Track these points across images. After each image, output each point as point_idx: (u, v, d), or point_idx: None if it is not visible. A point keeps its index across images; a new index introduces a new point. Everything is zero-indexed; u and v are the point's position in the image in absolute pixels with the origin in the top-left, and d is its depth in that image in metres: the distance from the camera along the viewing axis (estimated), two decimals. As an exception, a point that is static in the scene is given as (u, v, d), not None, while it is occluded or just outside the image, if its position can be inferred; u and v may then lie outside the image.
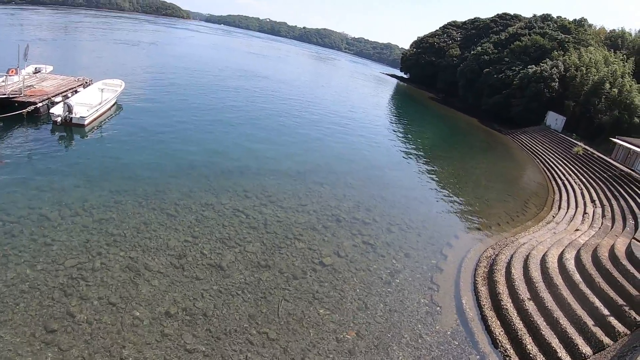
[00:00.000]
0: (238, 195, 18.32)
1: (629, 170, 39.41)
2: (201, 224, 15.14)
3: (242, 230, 15.27)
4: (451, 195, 26.84)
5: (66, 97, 26.43)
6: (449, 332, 12.52)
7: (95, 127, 24.41)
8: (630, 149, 46.95)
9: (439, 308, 13.51)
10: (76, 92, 28.41)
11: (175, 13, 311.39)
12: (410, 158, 35.82)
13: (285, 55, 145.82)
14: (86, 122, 23.63)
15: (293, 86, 62.58)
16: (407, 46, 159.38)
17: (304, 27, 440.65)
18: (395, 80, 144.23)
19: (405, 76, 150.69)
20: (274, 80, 62.81)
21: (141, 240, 13.48)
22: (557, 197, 32.03)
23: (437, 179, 30.61)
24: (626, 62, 69.93)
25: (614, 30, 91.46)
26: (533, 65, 75.60)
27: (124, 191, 16.53)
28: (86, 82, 30.85)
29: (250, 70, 68.79)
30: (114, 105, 28.48)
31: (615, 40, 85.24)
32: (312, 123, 37.93)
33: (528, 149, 55.74)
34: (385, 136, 43.03)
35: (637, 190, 30.38)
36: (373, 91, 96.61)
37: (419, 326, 12.49)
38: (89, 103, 25.67)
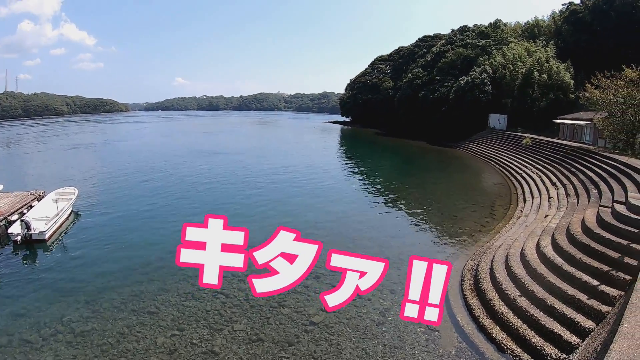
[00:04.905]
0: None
1: (578, 144, 40.93)
2: (184, 314, 14.72)
3: (225, 311, 14.96)
4: (420, 221, 27.02)
5: (22, 214, 25.76)
6: (453, 352, 12.37)
7: (57, 240, 23.68)
8: (573, 124, 48.99)
9: (437, 332, 13.35)
10: (31, 207, 27.72)
11: (114, 108, 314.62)
12: (372, 195, 36.13)
13: (229, 128, 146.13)
14: (47, 237, 22.95)
15: (244, 156, 62.53)
16: (342, 90, 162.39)
17: (241, 96, 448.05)
18: (338, 126, 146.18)
19: (347, 119, 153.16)
20: (226, 154, 62.65)
21: (128, 344, 12.95)
22: (519, 191, 32.85)
23: (402, 209, 30.91)
24: (547, 47, 74.01)
25: (528, 21, 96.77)
26: (464, 77, 78.67)
27: (99, 300, 15.93)
28: (39, 195, 30.20)
29: (202, 150, 68.18)
30: (70, 214, 27.86)
31: (532, 31, 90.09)
32: (267, 186, 37.84)
33: (480, 155, 57.33)
34: (342, 181, 43.38)
35: (590, 160, 31.49)
36: (320, 141, 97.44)
37: (423, 355, 12.30)
38: (46, 216, 24.95)
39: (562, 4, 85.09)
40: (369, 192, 37.28)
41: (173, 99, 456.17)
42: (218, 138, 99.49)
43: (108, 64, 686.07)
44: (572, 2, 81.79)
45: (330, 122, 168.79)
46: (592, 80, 38.88)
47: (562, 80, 66.98)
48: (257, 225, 24.57)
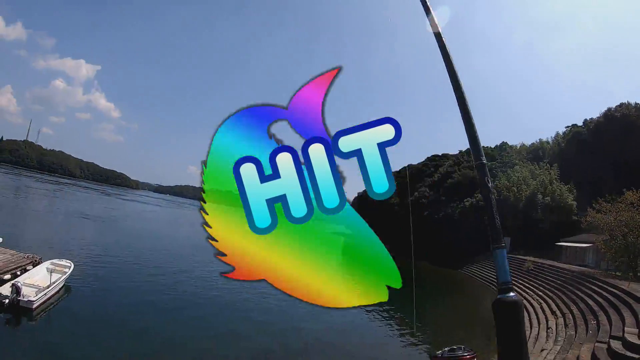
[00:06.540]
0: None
1: (580, 268, 39.51)
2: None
3: None
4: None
5: (15, 275, 24.91)
6: None
7: (43, 311, 22.11)
8: (576, 247, 47.78)
9: None
10: (25, 270, 26.44)
11: (124, 183, 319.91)
12: (375, 320, 33.47)
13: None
14: (34, 306, 21.46)
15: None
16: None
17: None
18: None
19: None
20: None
21: None
22: (518, 319, 30.62)
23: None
24: (550, 169, 74.61)
25: (533, 143, 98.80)
26: (469, 198, 78.61)
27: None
28: (35, 260, 28.56)
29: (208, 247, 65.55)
30: (62, 287, 26.08)
31: (536, 153, 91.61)
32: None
33: (482, 279, 55.27)
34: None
35: (590, 287, 29.77)
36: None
37: None
38: (37, 285, 23.68)
39: (565, 126, 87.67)
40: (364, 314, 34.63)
41: (184, 186, 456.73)
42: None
43: (127, 139, 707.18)
44: (575, 124, 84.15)
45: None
46: (593, 205, 38.86)
47: (565, 202, 66.71)
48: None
